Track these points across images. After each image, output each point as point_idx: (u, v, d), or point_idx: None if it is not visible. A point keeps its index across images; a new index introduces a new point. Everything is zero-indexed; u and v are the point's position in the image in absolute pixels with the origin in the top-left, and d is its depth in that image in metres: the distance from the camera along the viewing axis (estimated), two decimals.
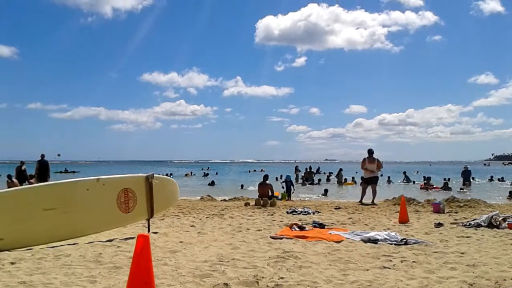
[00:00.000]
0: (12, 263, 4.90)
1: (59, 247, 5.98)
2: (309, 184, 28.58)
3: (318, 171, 40.44)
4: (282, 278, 4.34)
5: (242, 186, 27.06)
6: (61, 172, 47.27)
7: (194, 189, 25.57)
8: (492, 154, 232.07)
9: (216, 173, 46.68)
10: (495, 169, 63.31)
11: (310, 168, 31.93)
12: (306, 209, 11.12)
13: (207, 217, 9.91)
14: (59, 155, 33.56)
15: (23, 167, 18.64)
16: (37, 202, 6.20)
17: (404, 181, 31.79)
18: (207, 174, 46.62)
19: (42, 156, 18.13)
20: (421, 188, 24.44)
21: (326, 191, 21.16)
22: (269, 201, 12.94)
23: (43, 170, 17.63)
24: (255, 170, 57.64)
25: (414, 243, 6.43)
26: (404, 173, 33.58)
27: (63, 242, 6.29)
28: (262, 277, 4.34)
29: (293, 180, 20.80)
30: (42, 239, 6.14)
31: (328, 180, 32.99)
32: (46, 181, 15.73)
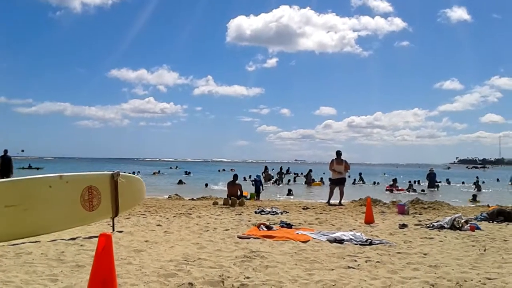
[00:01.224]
0: None
1: (20, 245, 5.80)
2: (278, 184, 28.76)
3: (288, 171, 40.73)
4: (248, 277, 4.33)
5: (206, 185, 26.92)
6: (24, 168, 45.97)
7: (162, 187, 25.29)
8: (457, 158, 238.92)
9: (187, 172, 46.25)
10: (455, 172, 65.28)
11: (281, 168, 32.18)
12: (274, 209, 11.15)
13: (174, 216, 9.80)
14: (23, 150, 32.82)
15: None
16: None
17: (359, 182, 32.41)
18: (189, 172, 45.96)
19: (5, 151, 17.57)
20: (386, 190, 24.91)
21: (289, 191, 21.35)
22: (237, 201, 12.92)
23: (5, 166, 17.09)
24: (224, 170, 57.48)
25: (378, 243, 6.54)
26: (360, 174, 33.97)
27: (24, 240, 6.10)
28: (228, 277, 4.32)
29: (263, 180, 20.85)
30: (3, 237, 5.96)
31: (294, 180, 33.24)
32: (9, 177, 15.24)
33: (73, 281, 4.05)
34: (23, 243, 5.96)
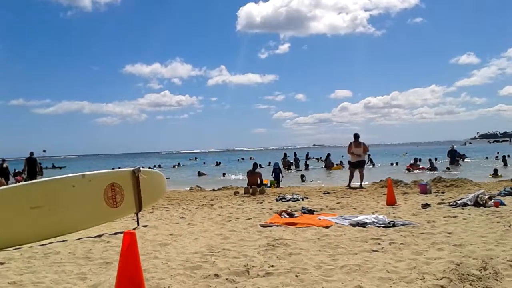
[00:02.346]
0: (1, 263, 4.84)
1: (48, 245, 5.93)
2: (295, 170, 28.75)
3: (307, 156, 40.66)
4: (272, 266, 4.36)
5: (224, 174, 27.06)
6: (47, 167, 46.89)
7: (183, 180, 25.55)
8: (477, 133, 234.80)
9: (218, 163, 46.39)
10: (476, 147, 64.19)
11: (295, 154, 32.18)
12: (295, 196, 11.17)
13: (196, 208, 9.91)
14: (44, 151, 33.45)
15: (4, 165, 18.46)
16: (24, 201, 6.12)
17: (369, 164, 31.54)
18: (219, 163, 46.08)
19: (31, 154, 18.05)
20: (407, 170, 24.67)
21: (302, 176, 21.29)
22: (258, 189, 12.97)
23: (31, 168, 17.51)
24: (243, 159, 57.67)
25: (401, 225, 6.51)
26: (369, 156, 32.32)
27: (52, 240, 6.23)
28: (253, 266, 4.36)
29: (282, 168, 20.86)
30: (31, 238, 6.08)
31: (306, 166, 31.72)
32: (35, 178, 15.59)
33: (101, 278, 4.13)
34: (50, 243, 6.10)
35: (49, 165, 51.82)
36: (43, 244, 6.00)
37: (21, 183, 8.86)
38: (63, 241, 6.23)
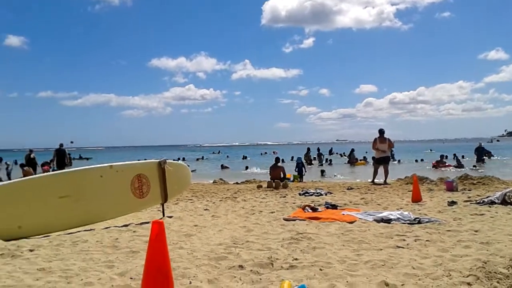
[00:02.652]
0: (31, 250, 4.97)
1: (76, 233, 6.07)
2: (319, 165, 28.62)
3: (330, 152, 40.45)
4: (296, 259, 4.38)
5: (246, 167, 27.13)
6: (75, 158, 47.80)
7: (206, 173, 25.77)
8: (505, 130, 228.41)
9: (227, 156, 46.64)
10: (504, 145, 62.59)
11: (318, 149, 32.03)
12: (318, 190, 11.15)
13: (220, 201, 10.00)
14: (72, 142, 34.07)
15: (32, 155, 19.01)
16: (52, 190, 6.27)
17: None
18: (246, 157, 46.24)
19: (61, 145, 18.54)
20: (433, 167, 24.30)
21: (322, 171, 21.20)
22: (281, 183, 12.99)
23: (61, 159, 17.97)
24: (266, 153, 57.73)
25: (427, 222, 6.43)
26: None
27: (80, 228, 6.39)
28: (277, 259, 4.39)
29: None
30: (59, 226, 6.24)
31: (328, 161, 31.39)
32: (64, 169, 15.97)
33: (128, 266, 4.21)
34: (78, 231, 6.25)
35: (76, 156, 52.76)
36: (71, 233, 6.15)
37: (50, 173, 9.08)
38: (90, 230, 6.38)
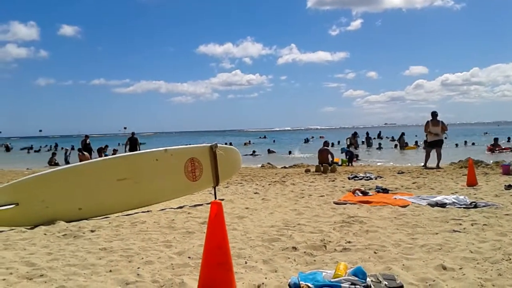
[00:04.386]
0: (92, 231, 5.23)
1: (133, 215, 6.33)
2: (368, 150, 28.15)
3: (379, 136, 39.64)
4: (349, 242, 4.39)
5: (290, 152, 27.08)
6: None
7: (254, 157, 25.97)
8: None
9: (274, 141, 46.68)
10: None
11: (367, 133, 31.47)
12: (368, 174, 11.02)
13: (269, 184, 10.09)
14: (125, 128, 35.26)
15: (87, 141, 20.06)
16: (111, 173, 6.54)
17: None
18: (308, 140, 46.47)
19: (133, 133, 20.19)
20: (488, 150, 23.36)
21: (356, 156, 20.61)
22: (329, 167, 12.93)
23: (133, 146, 19.19)
24: (313, 137, 57.34)
25: (484, 206, 6.25)
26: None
27: (137, 210, 6.65)
28: (329, 241, 4.42)
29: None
30: (117, 208, 6.52)
31: (378, 146, 30.17)
32: None
33: (185, 246, 4.36)
34: (136, 212, 6.52)
35: None
36: (129, 214, 6.41)
37: (109, 157, 9.46)
38: (147, 211, 6.63)
